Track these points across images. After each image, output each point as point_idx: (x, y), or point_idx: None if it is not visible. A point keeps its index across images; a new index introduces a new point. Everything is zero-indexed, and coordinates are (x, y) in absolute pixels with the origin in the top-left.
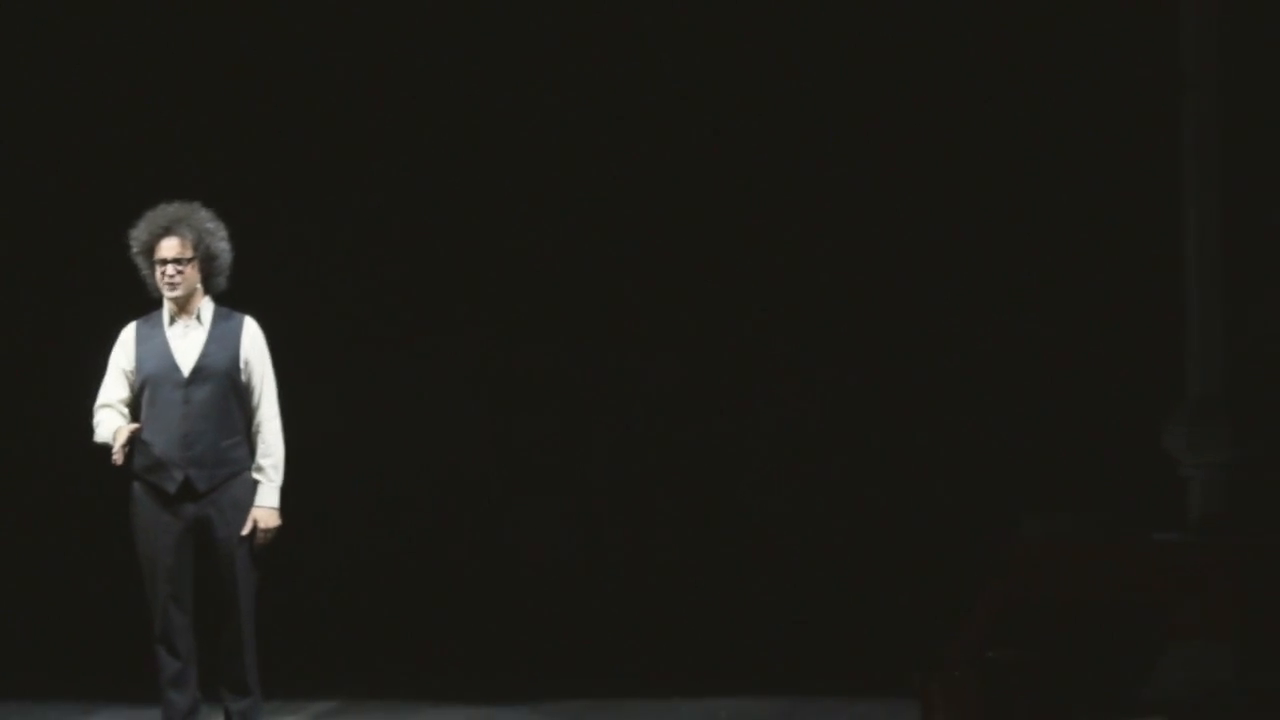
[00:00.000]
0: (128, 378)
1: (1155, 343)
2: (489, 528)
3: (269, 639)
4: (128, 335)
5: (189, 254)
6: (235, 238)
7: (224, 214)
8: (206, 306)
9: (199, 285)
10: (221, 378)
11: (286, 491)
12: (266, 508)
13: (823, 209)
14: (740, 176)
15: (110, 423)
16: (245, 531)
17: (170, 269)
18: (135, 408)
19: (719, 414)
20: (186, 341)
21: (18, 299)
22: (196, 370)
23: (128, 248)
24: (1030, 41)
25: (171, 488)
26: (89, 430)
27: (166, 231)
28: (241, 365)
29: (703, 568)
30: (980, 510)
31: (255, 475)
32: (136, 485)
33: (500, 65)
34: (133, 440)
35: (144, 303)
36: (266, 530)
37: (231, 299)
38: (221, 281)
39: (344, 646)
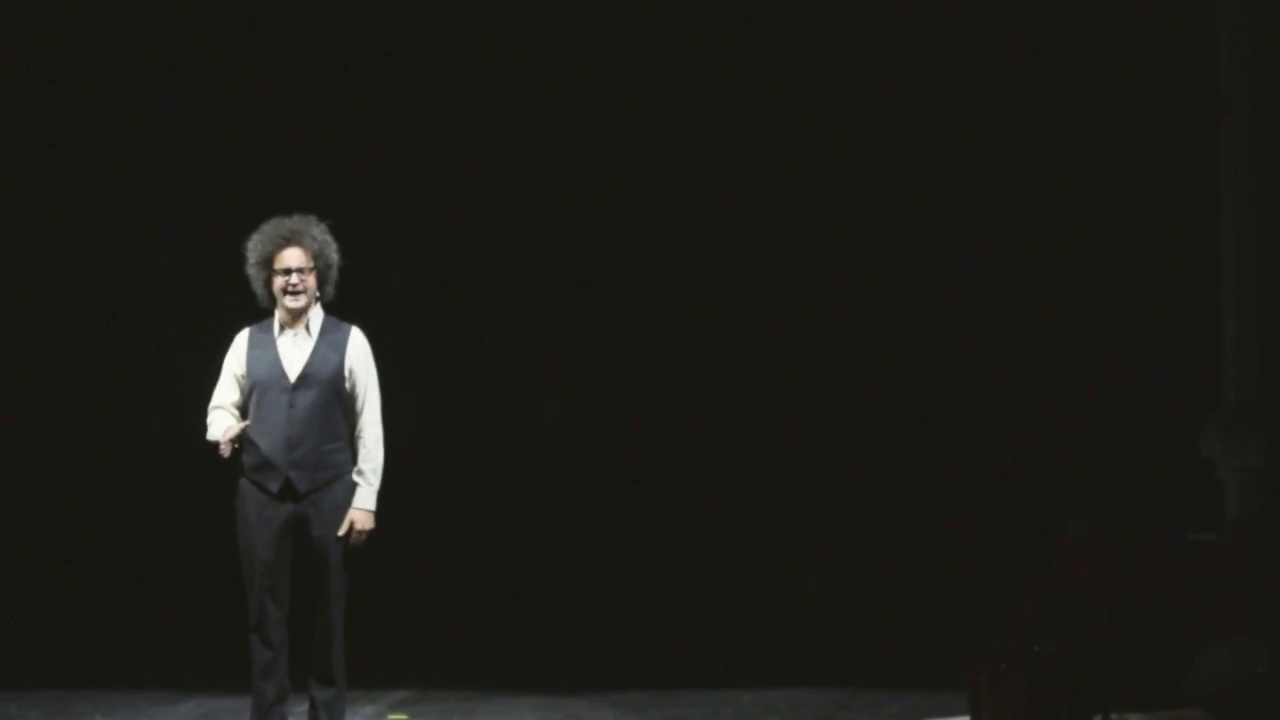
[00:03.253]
0: (239, 382)
1: (1193, 352)
2: (558, 528)
3: (349, 631)
4: (240, 341)
5: (310, 264)
6: (343, 253)
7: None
8: (316, 315)
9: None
10: (326, 385)
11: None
12: (363, 510)
13: (877, 222)
14: (786, 193)
15: (221, 423)
16: (341, 532)
17: (294, 278)
18: (246, 410)
19: (773, 418)
20: (295, 349)
21: (138, 310)
22: (302, 377)
23: (243, 259)
24: (1075, 63)
25: (274, 487)
26: (194, 432)
27: (288, 242)
28: (346, 374)
29: (760, 566)
30: (1026, 510)
31: (355, 478)
32: (243, 483)
33: (578, 106)
34: (241, 437)
35: (255, 311)
36: (361, 531)
37: (339, 310)
38: (330, 290)
39: (420, 638)
